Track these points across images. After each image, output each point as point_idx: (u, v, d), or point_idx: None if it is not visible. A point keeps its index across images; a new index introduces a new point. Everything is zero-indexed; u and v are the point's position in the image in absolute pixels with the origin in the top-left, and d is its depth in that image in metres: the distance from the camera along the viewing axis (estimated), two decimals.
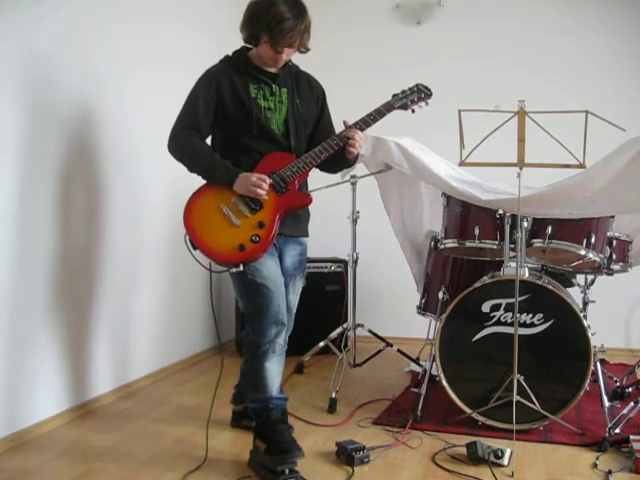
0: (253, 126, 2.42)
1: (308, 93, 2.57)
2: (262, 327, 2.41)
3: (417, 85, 2.56)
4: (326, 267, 4.21)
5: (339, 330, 3.68)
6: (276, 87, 2.48)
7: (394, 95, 2.54)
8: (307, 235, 2.65)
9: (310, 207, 2.55)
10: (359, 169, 3.39)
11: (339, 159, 2.50)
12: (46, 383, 2.85)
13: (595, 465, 2.42)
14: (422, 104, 2.56)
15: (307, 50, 2.46)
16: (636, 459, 2.35)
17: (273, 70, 2.48)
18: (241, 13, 2.43)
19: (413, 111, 2.56)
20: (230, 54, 2.53)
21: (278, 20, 2.30)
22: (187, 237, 2.36)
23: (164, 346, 3.77)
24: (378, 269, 4.48)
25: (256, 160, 2.43)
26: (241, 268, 2.34)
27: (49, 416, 2.84)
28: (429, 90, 2.57)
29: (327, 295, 4.14)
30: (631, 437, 2.49)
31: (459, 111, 2.53)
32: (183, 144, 2.43)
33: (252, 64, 2.47)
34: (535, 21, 4.47)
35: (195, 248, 2.36)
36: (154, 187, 3.60)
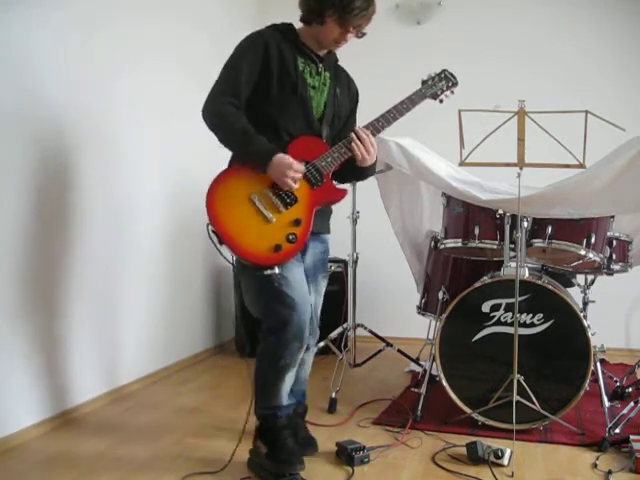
0: (294, 101, 2.23)
1: (346, 88, 2.46)
2: (284, 340, 2.22)
3: (444, 71, 2.39)
4: None
5: (339, 330, 3.67)
6: (322, 68, 2.33)
7: (423, 82, 2.37)
8: (329, 232, 2.50)
9: None
10: None
11: (349, 168, 2.31)
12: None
13: (595, 465, 2.42)
14: (448, 93, 2.40)
15: (363, 35, 2.33)
16: (636, 459, 2.35)
17: (320, 53, 2.33)
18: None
19: (441, 101, 2.39)
20: (277, 23, 2.33)
21: None
22: (210, 228, 2.09)
23: (162, 347, 3.73)
24: (378, 269, 4.48)
25: (284, 142, 2.20)
26: (276, 271, 2.07)
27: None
28: (455, 78, 2.40)
29: (327, 295, 4.09)
30: (631, 437, 2.49)
31: (459, 111, 2.52)
32: (220, 110, 2.17)
33: (300, 40, 2.30)
34: (535, 21, 4.47)
35: (222, 243, 2.09)
36: (147, 184, 3.50)
